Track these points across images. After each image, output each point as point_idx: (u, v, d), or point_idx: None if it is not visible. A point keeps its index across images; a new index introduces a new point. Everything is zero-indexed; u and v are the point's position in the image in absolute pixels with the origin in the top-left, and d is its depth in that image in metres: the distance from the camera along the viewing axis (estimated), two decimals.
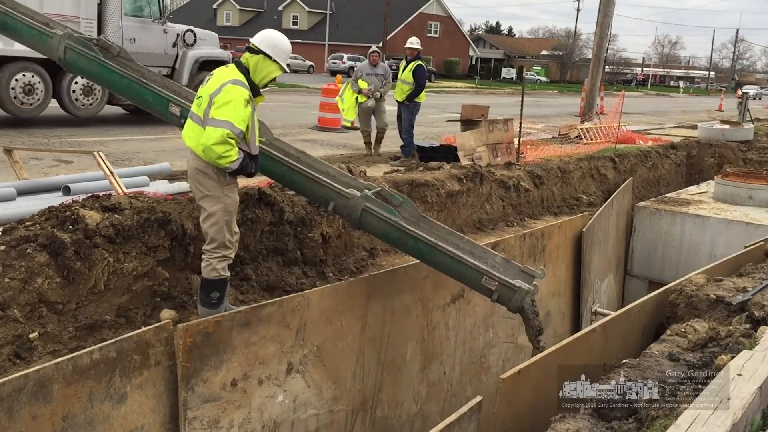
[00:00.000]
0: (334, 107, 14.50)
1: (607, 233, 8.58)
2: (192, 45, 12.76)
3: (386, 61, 12.90)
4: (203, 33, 13.29)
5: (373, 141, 10.71)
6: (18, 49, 9.10)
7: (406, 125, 10.13)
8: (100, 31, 11.08)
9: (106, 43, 4.73)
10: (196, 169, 4.08)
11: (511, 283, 4.49)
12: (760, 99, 41.33)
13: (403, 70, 10.15)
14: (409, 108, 10.13)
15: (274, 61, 4.17)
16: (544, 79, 62.20)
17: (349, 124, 11.29)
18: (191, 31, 12.89)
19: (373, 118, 10.61)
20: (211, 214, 4.08)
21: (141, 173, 6.83)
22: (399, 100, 10.20)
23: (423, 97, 10.29)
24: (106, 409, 3.60)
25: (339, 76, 19.89)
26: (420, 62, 10.10)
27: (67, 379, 3.40)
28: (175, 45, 12.48)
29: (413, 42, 10.28)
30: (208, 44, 13.41)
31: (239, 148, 3.99)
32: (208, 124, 3.93)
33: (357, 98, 10.41)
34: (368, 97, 10.39)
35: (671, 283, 4.91)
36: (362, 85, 10.35)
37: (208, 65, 12.40)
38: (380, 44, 44.51)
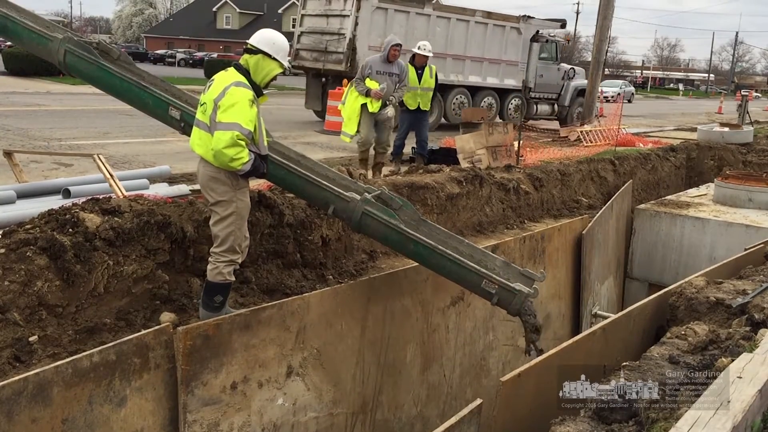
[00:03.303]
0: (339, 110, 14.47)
1: (606, 236, 8.59)
2: (572, 78, 17.71)
3: None
4: (578, 69, 18.87)
5: (370, 162, 8.43)
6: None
7: (426, 133, 9.46)
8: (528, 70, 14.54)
9: (107, 46, 4.74)
10: (209, 176, 4.07)
11: (511, 286, 4.49)
12: (630, 102, 36.26)
13: (420, 77, 8.95)
14: (426, 114, 9.34)
15: (274, 59, 4.17)
16: None
17: (348, 140, 8.34)
18: (572, 68, 18.29)
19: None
20: (223, 217, 4.08)
21: (141, 176, 6.86)
22: (424, 108, 9.09)
23: None
24: (105, 412, 3.60)
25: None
26: (433, 66, 9.22)
27: (66, 382, 3.39)
28: (563, 78, 17.33)
29: (427, 48, 8.98)
30: (580, 77, 18.34)
31: (249, 150, 4.00)
32: (216, 129, 3.92)
33: (366, 104, 7.93)
34: (386, 104, 7.98)
35: (671, 285, 4.91)
36: (372, 85, 7.93)
37: (581, 93, 17.47)
38: None
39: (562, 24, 18.10)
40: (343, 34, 14.27)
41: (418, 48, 8.95)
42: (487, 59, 15.76)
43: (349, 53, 14.01)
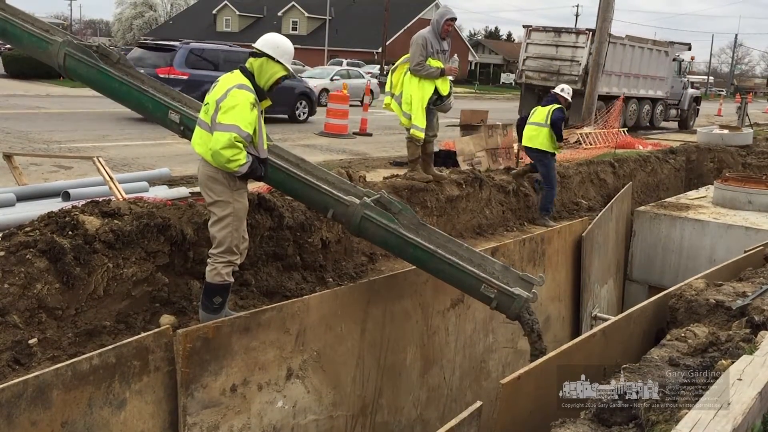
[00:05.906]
0: (340, 113, 14.61)
1: (606, 238, 8.58)
2: (689, 87, 23.32)
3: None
4: (688, 83, 24.38)
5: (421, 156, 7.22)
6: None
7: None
8: (668, 83, 21.81)
9: (106, 50, 4.74)
10: (207, 176, 4.11)
11: (510, 290, 4.49)
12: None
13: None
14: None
15: (278, 62, 4.18)
16: None
17: (422, 135, 6.89)
18: (689, 80, 24.24)
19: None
20: (220, 218, 4.10)
21: (140, 179, 6.84)
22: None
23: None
24: (105, 415, 3.59)
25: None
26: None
27: (66, 385, 3.39)
28: (683, 88, 22.81)
29: (569, 93, 8.48)
30: (691, 87, 24.56)
31: (248, 152, 4.02)
32: (215, 129, 3.96)
33: (438, 89, 6.77)
34: (450, 89, 6.89)
35: (671, 287, 4.91)
36: (437, 64, 6.73)
37: (696, 99, 24.05)
38: (380, 50, 44.59)
39: (689, 47, 23.51)
40: (577, 61, 18.80)
41: (562, 90, 8.42)
42: (650, 76, 20.69)
43: (583, 75, 18.30)
